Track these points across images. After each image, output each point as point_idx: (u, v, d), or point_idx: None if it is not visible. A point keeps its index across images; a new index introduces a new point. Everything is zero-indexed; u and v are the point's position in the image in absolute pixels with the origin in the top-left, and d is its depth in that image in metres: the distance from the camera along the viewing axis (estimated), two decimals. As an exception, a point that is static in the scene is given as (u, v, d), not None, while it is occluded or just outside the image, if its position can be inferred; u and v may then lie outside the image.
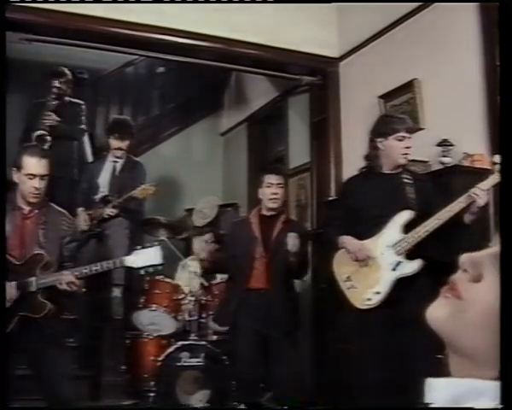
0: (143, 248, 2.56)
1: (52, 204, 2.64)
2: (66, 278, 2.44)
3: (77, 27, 3.43)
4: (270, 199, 3.11)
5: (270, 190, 3.11)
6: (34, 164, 2.52)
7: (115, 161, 3.94)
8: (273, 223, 3.15)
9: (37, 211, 2.57)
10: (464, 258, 0.57)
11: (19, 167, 2.53)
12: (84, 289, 2.57)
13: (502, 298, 0.52)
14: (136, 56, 4.98)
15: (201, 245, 3.90)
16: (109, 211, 3.68)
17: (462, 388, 0.54)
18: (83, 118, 4.34)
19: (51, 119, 4.03)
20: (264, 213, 3.18)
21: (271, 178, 3.13)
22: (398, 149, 2.60)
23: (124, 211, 3.75)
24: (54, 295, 2.48)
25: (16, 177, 2.54)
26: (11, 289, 2.41)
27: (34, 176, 2.51)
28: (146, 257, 2.53)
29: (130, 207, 3.76)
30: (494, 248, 0.56)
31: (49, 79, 4.21)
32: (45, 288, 2.45)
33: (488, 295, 0.53)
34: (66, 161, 3.95)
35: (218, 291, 3.56)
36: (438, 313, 0.57)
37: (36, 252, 2.50)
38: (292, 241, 2.98)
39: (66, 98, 4.26)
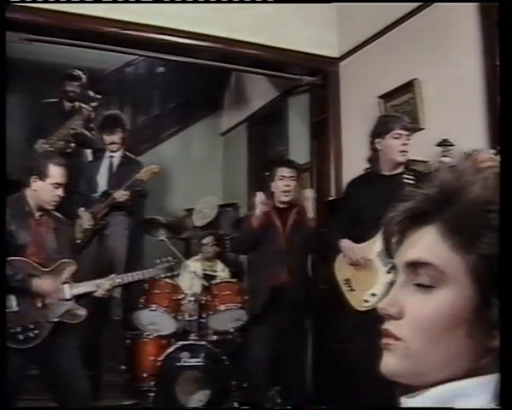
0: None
1: (54, 212, 2.67)
2: (105, 286, 2.59)
3: (77, 27, 3.42)
4: (283, 191, 3.13)
5: (283, 182, 3.13)
6: (61, 174, 2.58)
7: (111, 156, 3.96)
8: (287, 214, 3.17)
9: (45, 217, 2.60)
10: (381, 305, 0.60)
11: (42, 176, 2.53)
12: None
13: (501, 298, 0.53)
14: (136, 56, 4.97)
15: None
16: (122, 194, 3.65)
17: (441, 396, 0.56)
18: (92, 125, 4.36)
19: (77, 125, 4.04)
20: (278, 205, 3.19)
21: (284, 171, 3.15)
22: (395, 147, 2.63)
23: (124, 209, 3.73)
24: (84, 302, 2.60)
25: (36, 185, 2.53)
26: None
27: (60, 185, 2.56)
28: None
29: (130, 206, 3.75)
30: (399, 279, 0.60)
31: (62, 82, 4.22)
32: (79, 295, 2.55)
33: (418, 324, 0.57)
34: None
35: (218, 291, 3.54)
36: (390, 365, 0.59)
37: (65, 260, 2.55)
38: (309, 194, 3.12)
39: (76, 104, 4.27)
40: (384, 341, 0.60)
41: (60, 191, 2.57)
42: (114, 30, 3.49)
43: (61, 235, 2.62)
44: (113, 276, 2.66)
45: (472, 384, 0.54)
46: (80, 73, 4.29)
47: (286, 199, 3.14)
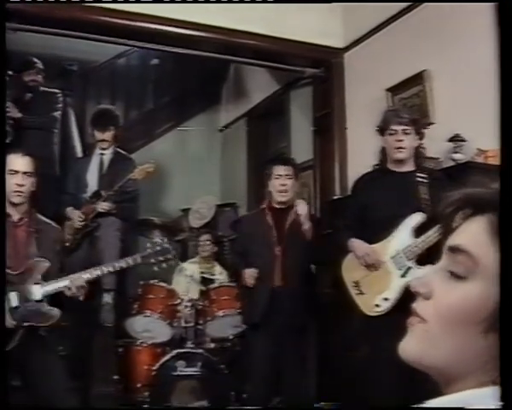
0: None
1: (39, 215, 2.64)
2: (78, 282, 2.44)
3: (65, 16, 3.35)
4: (279, 191, 3.11)
5: (279, 181, 3.12)
6: (15, 160, 2.53)
7: (102, 154, 3.87)
8: (285, 216, 3.15)
9: (26, 219, 2.56)
10: (413, 281, 0.63)
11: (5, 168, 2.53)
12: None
13: (501, 299, 0.54)
14: (129, 47, 4.92)
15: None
16: (103, 205, 3.54)
17: (452, 404, 0.56)
18: (58, 106, 4.25)
19: (11, 110, 3.90)
20: (275, 206, 3.17)
21: (280, 169, 3.14)
22: (391, 144, 2.60)
23: (116, 209, 3.63)
24: (57, 303, 2.49)
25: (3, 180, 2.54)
26: (12, 300, 2.39)
27: (16, 172, 2.51)
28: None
29: (122, 206, 3.65)
30: (439, 262, 0.62)
31: (18, 71, 4.12)
32: (51, 295, 2.46)
33: (442, 308, 0.59)
34: (44, 156, 3.81)
35: (216, 296, 3.52)
36: (407, 347, 0.61)
37: (36, 259, 2.50)
38: (302, 207, 3.04)
39: (40, 88, 4.16)
40: (409, 319, 0.62)
41: (18, 179, 2.49)
42: (105, 19, 3.46)
43: (43, 238, 2.56)
44: (90, 269, 2.53)
45: (484, 394, 0.55)
46: (34, 59, 4.17)
47: (282, 199, 3.12)
